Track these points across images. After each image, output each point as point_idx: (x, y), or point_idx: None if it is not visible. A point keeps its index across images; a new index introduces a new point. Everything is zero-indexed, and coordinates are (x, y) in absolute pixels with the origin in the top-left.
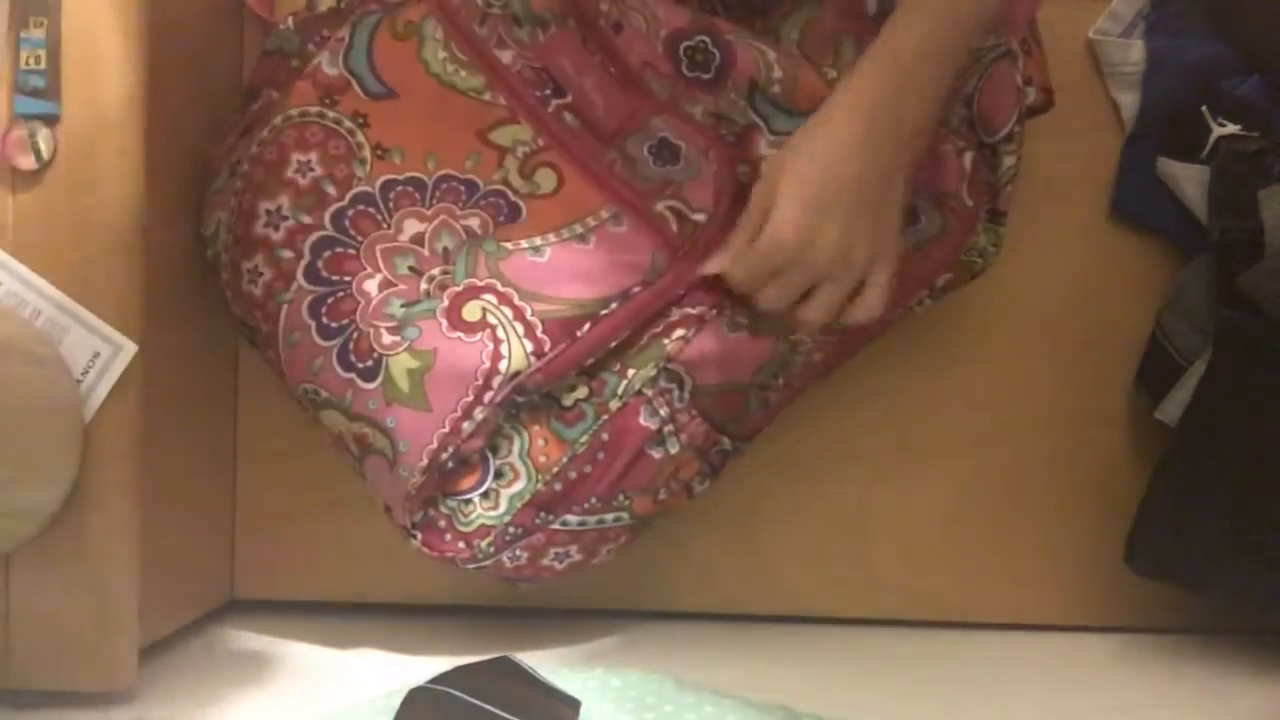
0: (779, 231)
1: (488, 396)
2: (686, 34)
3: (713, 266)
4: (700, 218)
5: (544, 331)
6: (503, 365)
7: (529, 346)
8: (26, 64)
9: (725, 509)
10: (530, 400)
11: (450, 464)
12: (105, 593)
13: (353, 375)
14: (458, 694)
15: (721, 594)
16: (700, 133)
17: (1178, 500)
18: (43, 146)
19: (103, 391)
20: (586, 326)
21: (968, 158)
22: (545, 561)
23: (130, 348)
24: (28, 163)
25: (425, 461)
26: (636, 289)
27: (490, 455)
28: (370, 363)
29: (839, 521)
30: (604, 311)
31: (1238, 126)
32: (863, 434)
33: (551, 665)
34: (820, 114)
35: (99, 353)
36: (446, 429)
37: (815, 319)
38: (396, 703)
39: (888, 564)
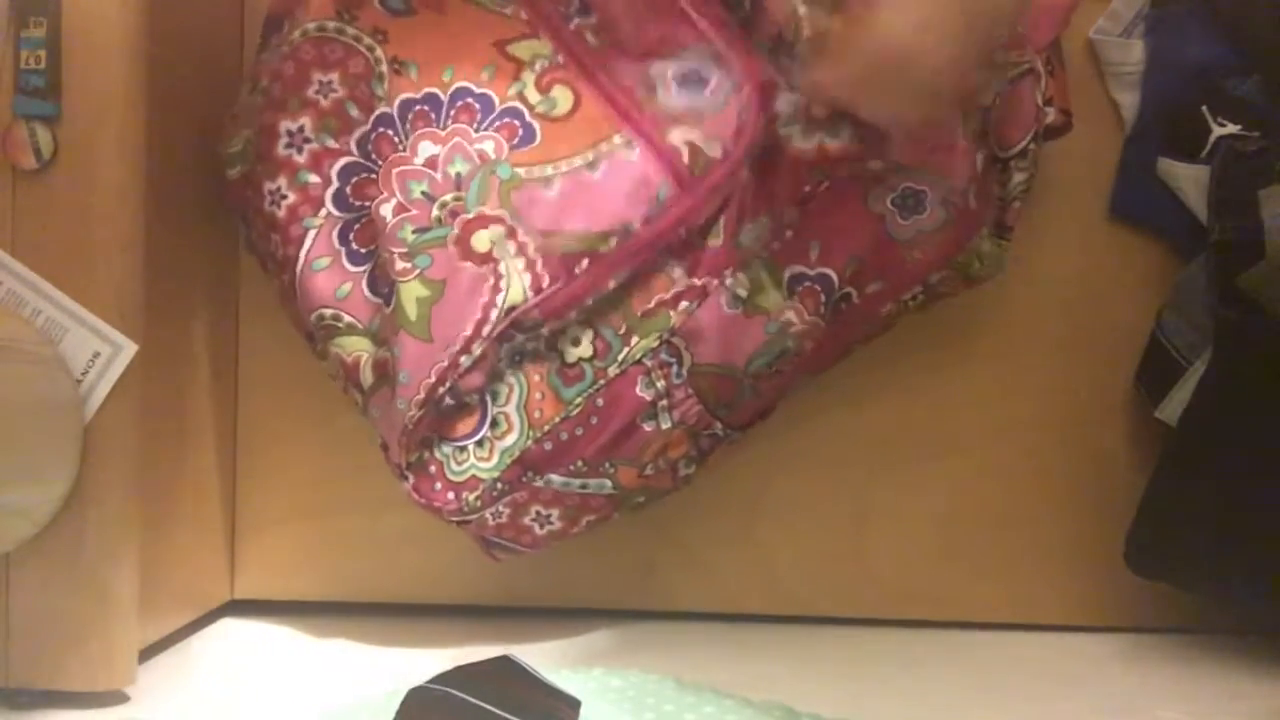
0: None
1: (485, 330)
2: None
3: None
4: (715, 153)
5: (543, 266)
6: (499, 299)
7: (527, 280)
8: (26, 64)
9: (725, 508)
10: (536, 348)
11: (448, 400)
12: (105, 593)
13: (380, 300)
14: (458, 694)
15: (721, 594)
16: (743, 61)
17: (1178, 500)
18: (43, 146)
19: (103, 391)
20: (585, 263)
21: (979, 158)
22: (526, 521)
23: (130, 348)
24: (28, 162)
25: (422, 395)
26: (637, 225)
27: (490, 401)
28: (387, 289)
29: (838, 521)
30: (603, 248)
31: (1238, 126)
32: (862, 433)
33: (551, 665)
34: None
35: (99, 353)
36: (445, 362)
37: None
38: (396, 703)
39: (887, 563)
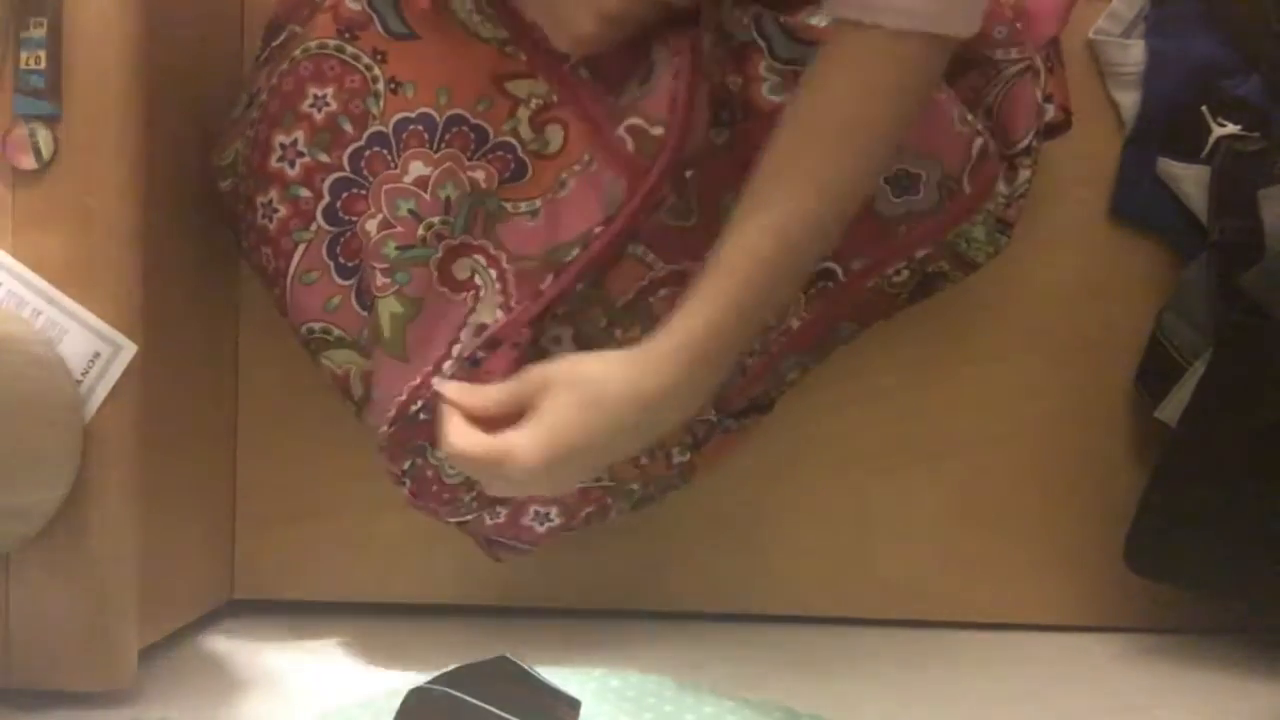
0: (517, 458)
1: (456, 350)
2: None
3: (449, 392)
4: (658, 131)
5: (514, 286)
6: (470, 319)
7: (498, 300)
8: (26, 64)
9: (725, 509)
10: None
11: (424, 416)
12: (105, 593)
13: (366, 314)
14: (458, 694)
15: (721, 594)
16: (676, 37)
17: (1178, 500)
18: (43, 146)
19: (103, 391)
20: (550, 278)
21: (977, 144)
22: (525, 521)
23: (130, 348)
24: (28, 163)
25: (393, 412)
26: (598, 229)
27: None
28: (369, 302)
29: (839, 522)
30: (567, 259)
31: (1238, 126)
32: (862, 434)
33: (551, 665)
34: (633, 369)
35: (99, 353)
36: (417, 381)
37: (463, 468)
38: (396, 703)
39: (887, 564)
